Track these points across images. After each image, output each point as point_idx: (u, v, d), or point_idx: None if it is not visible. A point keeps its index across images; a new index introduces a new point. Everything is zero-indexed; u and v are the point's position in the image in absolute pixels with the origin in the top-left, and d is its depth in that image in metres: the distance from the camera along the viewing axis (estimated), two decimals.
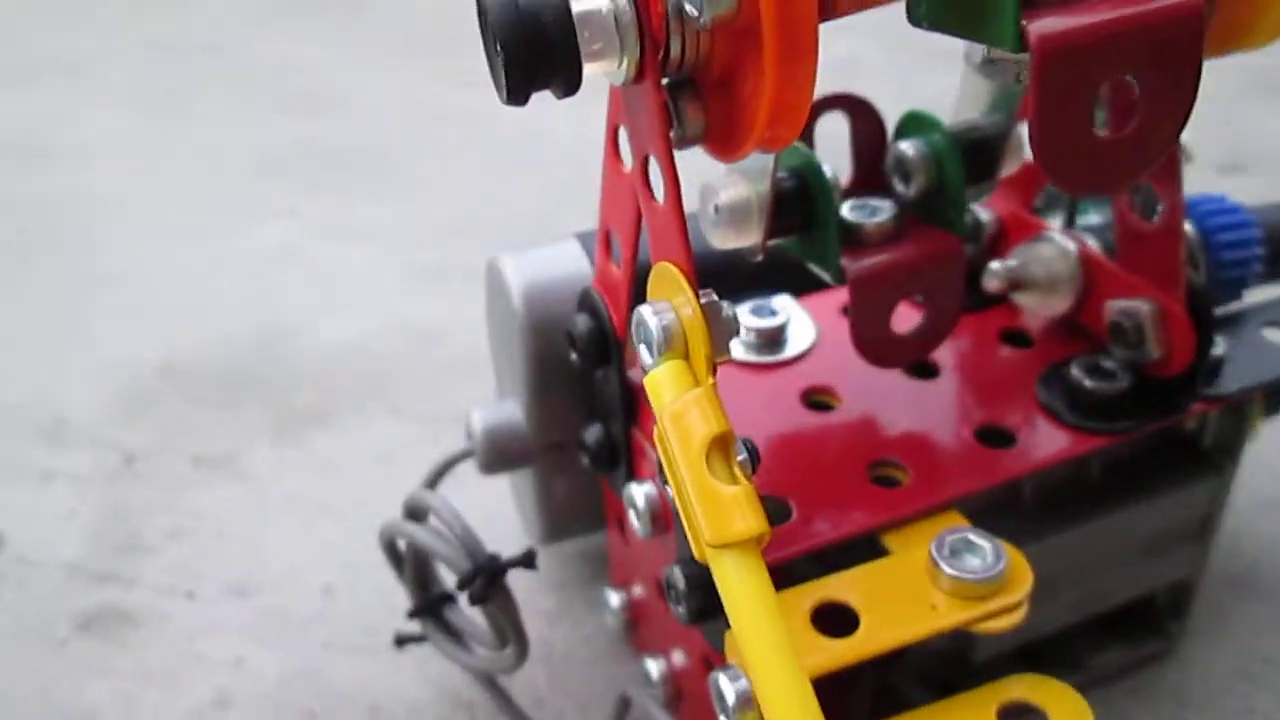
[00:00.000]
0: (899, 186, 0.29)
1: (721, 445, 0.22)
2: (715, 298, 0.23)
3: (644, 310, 0.24)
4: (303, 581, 0.50)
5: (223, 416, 0.60)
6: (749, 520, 0.21)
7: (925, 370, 0.32)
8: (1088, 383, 0.30)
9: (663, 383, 0.24)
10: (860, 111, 0.30)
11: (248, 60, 1.02)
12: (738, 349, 0.31)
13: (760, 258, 0.27)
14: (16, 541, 0.53)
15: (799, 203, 0.27)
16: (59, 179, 0.86)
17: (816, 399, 0.31)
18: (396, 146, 0.83)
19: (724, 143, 0.22)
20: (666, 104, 0.22)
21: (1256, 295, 0.36)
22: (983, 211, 0.34)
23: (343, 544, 0.52)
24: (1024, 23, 0.17)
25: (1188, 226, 0.32)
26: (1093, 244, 0.32)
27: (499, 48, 0.20)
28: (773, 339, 0.32)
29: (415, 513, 0.36)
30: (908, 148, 0.29)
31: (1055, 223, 0.35)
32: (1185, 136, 0.22)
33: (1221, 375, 0.31)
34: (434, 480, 0.41)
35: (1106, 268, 0.30)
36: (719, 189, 0.26)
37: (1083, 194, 0.32)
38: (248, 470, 0.57)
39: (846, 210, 0.29)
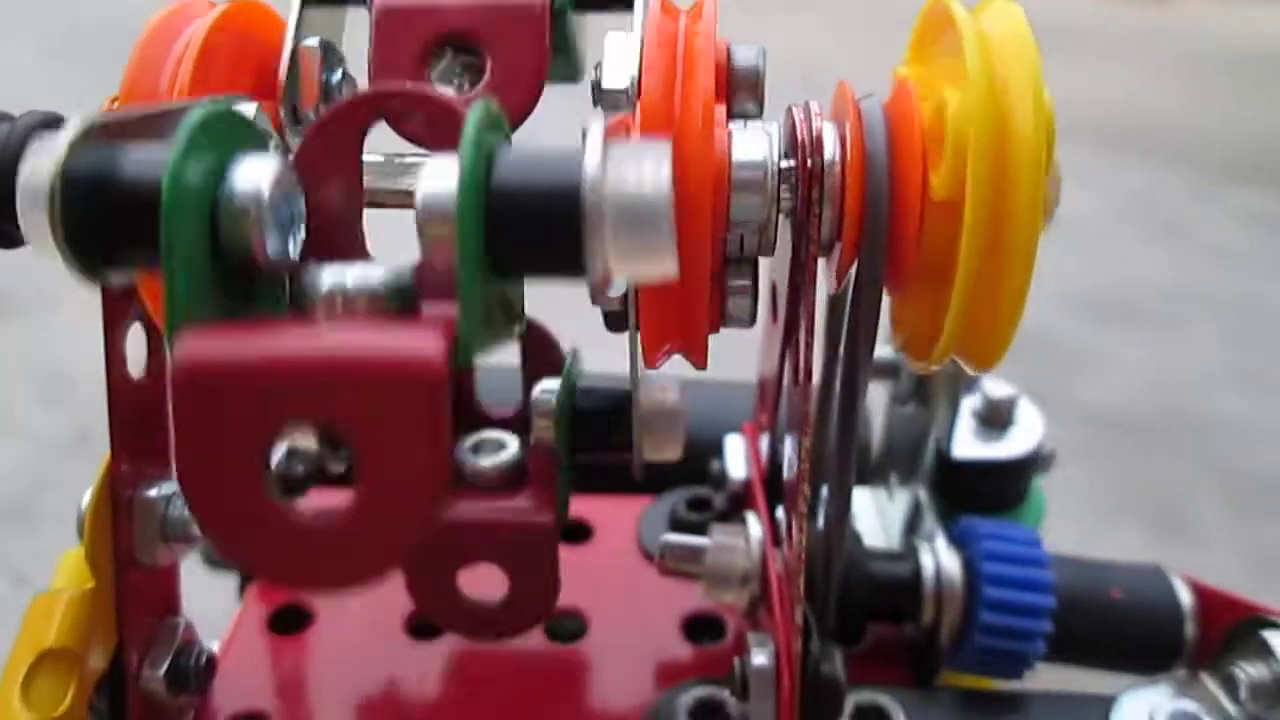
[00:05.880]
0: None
1: (58, 664, 0.19)
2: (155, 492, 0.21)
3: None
4: None
5: None
6: None
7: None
8: None
9: (60, 569, 0.20)
10: (540, 345, 0.24)
11: None
12: None
13: None
14: None
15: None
16: None
17: None
18: None
19: None
20: None
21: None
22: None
23: None
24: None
25: (950, 560, 0.26)
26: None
27: None
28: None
29: None
30: (542, 391, 0.22)
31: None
32: None
33: None
34: None
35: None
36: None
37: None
38: None
39: (472, 450, 0.22)
